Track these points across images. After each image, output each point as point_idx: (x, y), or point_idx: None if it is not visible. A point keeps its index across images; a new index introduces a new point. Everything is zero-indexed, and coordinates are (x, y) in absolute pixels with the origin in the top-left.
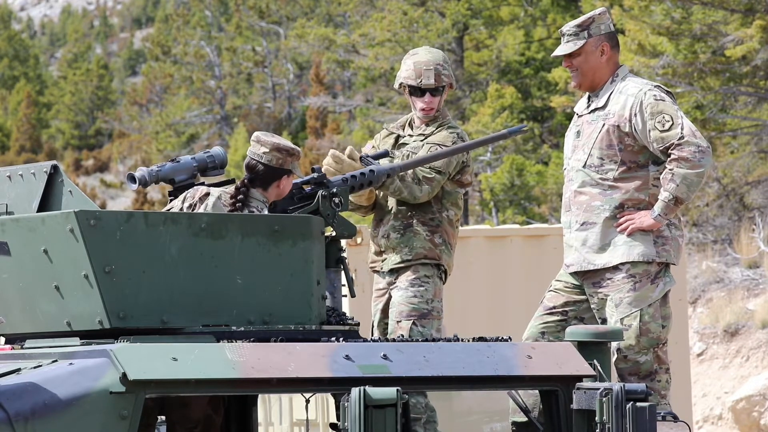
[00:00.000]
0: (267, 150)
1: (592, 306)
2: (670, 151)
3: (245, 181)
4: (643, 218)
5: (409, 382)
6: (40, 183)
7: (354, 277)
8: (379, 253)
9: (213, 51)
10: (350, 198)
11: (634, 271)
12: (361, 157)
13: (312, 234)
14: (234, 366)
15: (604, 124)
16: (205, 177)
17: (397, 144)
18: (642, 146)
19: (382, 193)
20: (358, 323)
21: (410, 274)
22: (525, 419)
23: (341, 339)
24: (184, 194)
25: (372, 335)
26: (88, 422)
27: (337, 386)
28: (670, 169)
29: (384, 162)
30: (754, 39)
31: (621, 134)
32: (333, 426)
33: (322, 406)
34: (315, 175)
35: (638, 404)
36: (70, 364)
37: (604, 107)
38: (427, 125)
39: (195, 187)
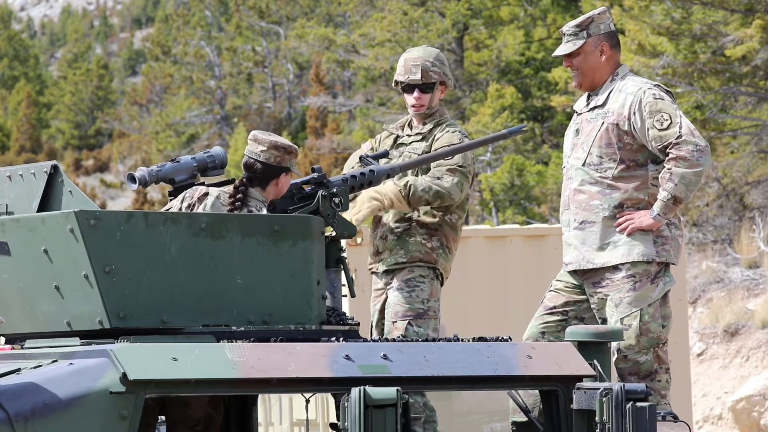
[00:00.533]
0: (265, 148)
1: (592, 306)
2: (668, 150)
3: (243, 180)
4: (643, 218)
5: (409, 382)
6: (40, 183)
7: (354, 277)
8: (376, 254)
9: (213, 51)
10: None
11: (633, 271)
12: (360, 157)
13: (312, 234)
14: (234, 366)
15: (603, 123)
16: (205, 177)
17: (396, 144)
18: (641, 145)
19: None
20: (358, 323)
21: (405, 274)
22: (525, 419)
23: (341, 339)
24: (183, 194)
25: (371, 336)
26: (88, 422)
27: (337, 386)
28: (668, 169)
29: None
30: (754, 39)
31: (620, 132)
32: (333, 426)
33: (322, 406)
34: (315, 175)
35: (638, 404)
36: (70, 364)
37: (603, 105)
38: (424, 124)
39: (194, 187)
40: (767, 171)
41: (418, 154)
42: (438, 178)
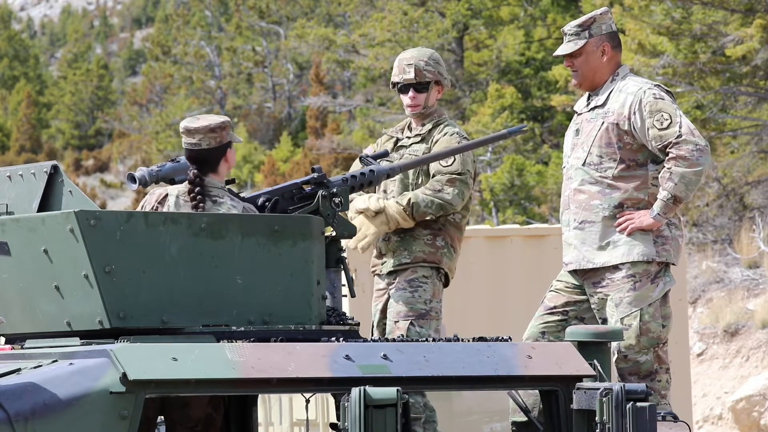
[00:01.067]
0: (202, 135)
1: (592, 306)
2: (668, 149)
3: (195, 172)
4: (643, 218)
5: (409, 382)
6: (40, 183)
7: (354, 277)
8: (379, 256)
9: (213, 51)
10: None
11: (634, 271)
12: (360, 157)
13: (312, 234)
14: (234, 366)
15: (603, 122)
16: None
17: (397, 147)
18: (641, 145)
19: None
20: (358, 323)
21: (409, 274)
22: (525, 419)
23: (341, 339)
24: (142, 201)
25: (372, 335)
26: (88, 422)
27: (337, 386)
28: (668, 168)
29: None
30: (754, 39)
31: (620, 132)
32: (333, 426)
33: (322, 406)
34: (315, 175)
35: (638, 404)
36: (70, 364)
37: (603, 105)
38: (423, 125)
39: (152, 192)
40: (767, 171)
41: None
42: (439, 191)
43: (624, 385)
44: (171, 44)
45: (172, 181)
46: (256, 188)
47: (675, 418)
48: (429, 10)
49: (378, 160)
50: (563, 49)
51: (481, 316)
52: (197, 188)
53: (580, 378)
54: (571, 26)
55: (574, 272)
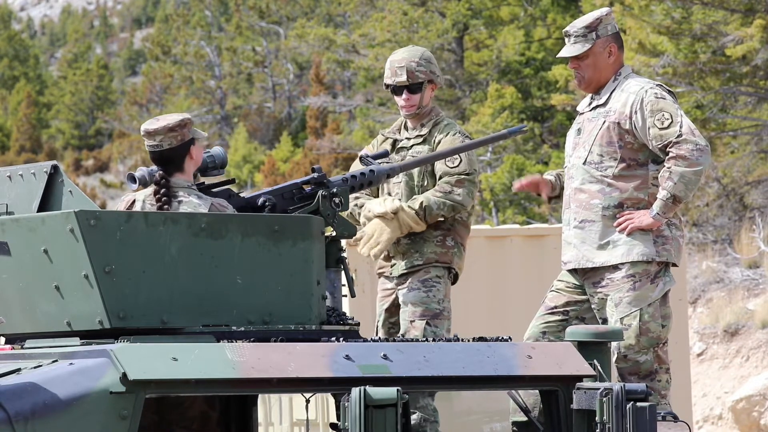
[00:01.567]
0: (162, 136)
1: (592, 306)
2: (668, 149)
3: (160, 173)
4: (642, 217)
5: (409, 382)
6: (40, 183)
7: (354, 277)
8: (388, 258)
9: (213, 51)
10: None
11: (633, 271)
12: (360, 157)
13: (312, 234)
14: (234, 366)
15: (604, 121)
16: (205, 177)
17: (396, 148)
18: (642, 144)
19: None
20: (358, 323)
21: (422, 274)
22: (525, 419)
23: (341, 339)
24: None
25: (377, 335)
26: (88, 422)
27: (337, 386)
28: (668, 167)
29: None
30: (755, 39)
31: (621, 131)
32: (333, 426)
33: (322, 406)
34: (315, 175)
35: (638, 404)
36: (71, 364)
37: (605, 104)
38: (422, 125)
39: (121, 198)
40: (767, 171)
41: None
42: (449, 192)
43: (624, 385)
44: (171, 44)
45: None
46: (256, 188)
47: (675, 418)
48: (429, 10)
49: (378, 161)
50: (570, 51)
51: (481, 316)
52: (162, 189)
53: (580, 378)
54: (576, 27)
55: (574, 272)
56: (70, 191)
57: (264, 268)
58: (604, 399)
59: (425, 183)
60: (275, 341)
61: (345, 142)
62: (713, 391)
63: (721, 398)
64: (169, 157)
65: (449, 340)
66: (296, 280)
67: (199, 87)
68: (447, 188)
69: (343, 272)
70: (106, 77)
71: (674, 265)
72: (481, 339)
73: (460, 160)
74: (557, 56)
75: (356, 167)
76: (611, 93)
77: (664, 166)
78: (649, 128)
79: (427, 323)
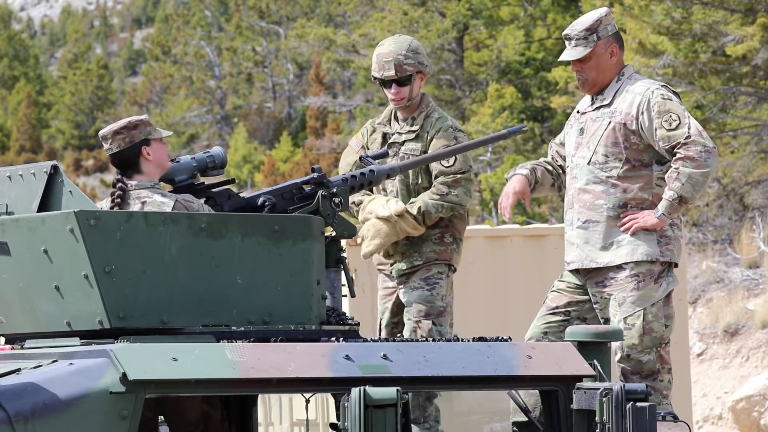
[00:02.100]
0: (111, 140)
1: (595, 305)
2: (676, 150)
3: (118, 177)
4: (647, 217)
5: (409, 382)
6: (40, 183)
7: (354, 277)
8: (387, 256)
9: (213, 51)
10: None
11: (637, 271)
12: (360, 157)
13: (312, 234)
14: (234, 366)
15: (610, 122)
16: (205, 177)
17: (388, 142)
18: (647, 145)
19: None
20: (358, 323)
21: (424, 272)
22: (525, 419)
23: (341, 339)
24: None
25: (379, 335)
26: (88, 422)
27: (337, 386)
28: (675, 168)
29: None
30: (755, 38)
31: (627, 132)
32: (333, 426)
33: (322, 406)
34: (315, 175)
35: (638, 404)
36: (70, 364)
37: (609, 105)
38: (413, 119)
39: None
40: (767, 171)
41: (416, 155)
42: (446, 194)
43: (624, 385)
44: (171, 44)
45: (171, 182)
46: (256, 188)
47: (675, 418)
48: (429, 10)
49: (378, 161)
50: (573, 55)
51: (481, 316)
52: (117, 192)
53: (580, 378)
54: (576, 30)
55: (576, 272)
56: (70, 191)
57: (264, 268)
58: (604, 399)
59: (419, 181)
60: (275, 341)
61: (345, 142)
62: (713, 391)
63: (721, 398)
64: (124, 160)
65: (449, 340)
66: (296, 280)
67: (199, 87)
68: (444, 190)
69: (343, 272)
70: (106, 77)
71: (676, 265)
72: (481, 339)
73: (455, 159)
74: (558, 60)
75: (345, 159)
76: (615, 93)
77: (671, 166)
78: (656, 129)
79: (433, 322)
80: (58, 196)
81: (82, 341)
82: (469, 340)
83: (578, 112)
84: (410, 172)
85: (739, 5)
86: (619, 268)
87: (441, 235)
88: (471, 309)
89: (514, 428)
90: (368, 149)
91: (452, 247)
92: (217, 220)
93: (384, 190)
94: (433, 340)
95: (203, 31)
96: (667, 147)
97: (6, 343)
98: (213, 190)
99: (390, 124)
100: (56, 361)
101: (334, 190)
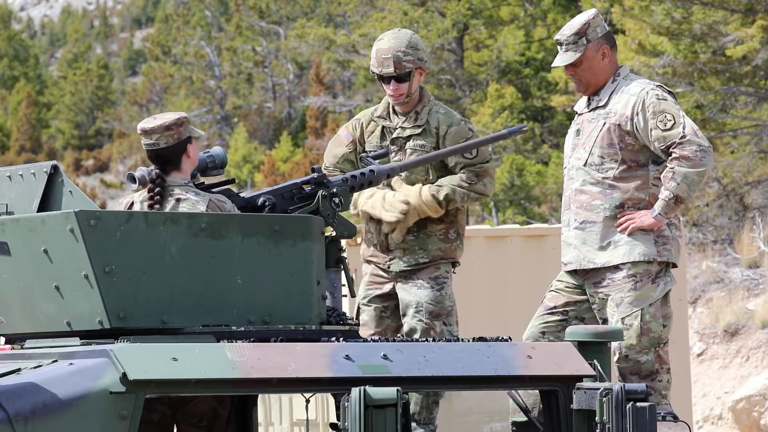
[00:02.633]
0: (158, 135)
1: (592, 306)
2: (671, 150)
3: (156, 172)
4: (644, 217)
5: (409, 382)
6: (40, 183)
7: (354, 277)
8: (386, 251)
9: (213, 51)
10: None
11: (635, 271)
12: (360, 157)
13: (312, 234)
14: (234, 366)
15: (605, 123)
16: (205, 177)
17: (391, 137)
18: (642, 145)
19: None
20: (358, 323)
21: (432, 271)
22: (525, 419)
23: (341, 339)
24: None
25: (356, 317)
26: (88, 422)
27: (337, 386)
28: (671, 168)
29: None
30: (755, 39)
31: (622, 133)
32: (333, 426)
33: (322, 406)
34: (315, 175)
35: (638, 404)
36: (70, 364)
37: (605, 106)
38: (417, 113)
39: (120, 200)
40: (767, 171)
41: (427, 151)
42: (474, 183)
43: (624, 385)
44: (171, 44)
45: None
46: (256, 188)
47: (675, 418)
48: (429, 10)
49: (377, 160)
50: (564, 60)
51: (481, 316)
52: (157, 188)
53: (580, 378)
54: (565, 35)
55: (574, 272)
56: (70, 191)
57: (264, 268)
58: (604, 399)
59: (430, 177)
60: (275, 341)
61: None
62: (713, 391)
63: (721, 398)
64: (166, 156)
65: (449, 340)
66: (296, 280)
67: (199, 87)
68: (473, 179)
69: (343, 272)
70: (106, 77)
71: (674, 265)
72: (481, 339)
73: (477, 150)
74: (552, 65)
75: (332, 150)
76: (611, 94)
77: (667, 166)
78: (651, 129)
79: (443, 323)
80: (58, 196)
81: (82, 341)
82: (469, 340)
83: (576, 113)
84: (419, 168)
85: (739, 5)
86: (617, 268)
87: (446, 231)
88: (471, 309)
89: (514, 428)
90: (362, 144)
91: (456, 243)
92: (217, 220)
93: (389, 185)
94: (440, 340)
95: (203, 31)
96: (662, 147)
97: (6, 343)
98: (213, 190)
99: (390, 118)
100: (56, 361)
101: (334, 190)
